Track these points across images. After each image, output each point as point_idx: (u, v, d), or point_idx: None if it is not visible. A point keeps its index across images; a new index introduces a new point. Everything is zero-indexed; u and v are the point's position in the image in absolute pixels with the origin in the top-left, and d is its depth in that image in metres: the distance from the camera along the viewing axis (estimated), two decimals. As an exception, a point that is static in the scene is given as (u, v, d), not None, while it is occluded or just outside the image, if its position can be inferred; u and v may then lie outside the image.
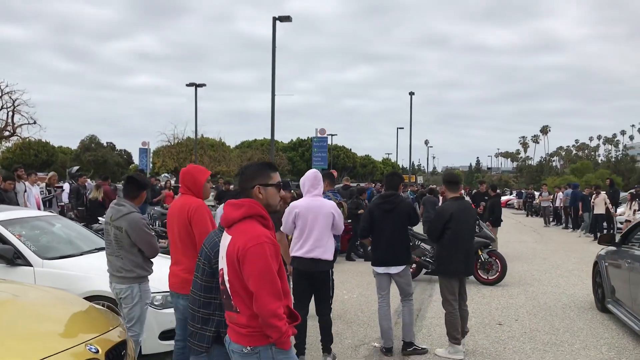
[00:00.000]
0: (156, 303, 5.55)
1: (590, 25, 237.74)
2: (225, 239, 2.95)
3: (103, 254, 6.46)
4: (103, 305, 5.16)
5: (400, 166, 77.39)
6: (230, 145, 69.00)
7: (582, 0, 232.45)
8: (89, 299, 5.15)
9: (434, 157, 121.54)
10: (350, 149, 73.40)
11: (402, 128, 60.57)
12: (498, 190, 14.55)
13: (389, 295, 6.14)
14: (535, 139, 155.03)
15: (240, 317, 2.87)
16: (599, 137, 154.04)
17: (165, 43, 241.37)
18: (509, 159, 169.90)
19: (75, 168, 15.47)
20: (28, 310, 3.96)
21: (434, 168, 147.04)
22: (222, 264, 2.96)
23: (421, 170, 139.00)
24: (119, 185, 13.98)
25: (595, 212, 18.42)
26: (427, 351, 6.17)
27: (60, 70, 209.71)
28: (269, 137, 76.90)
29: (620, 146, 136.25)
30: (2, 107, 42.86)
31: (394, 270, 5.98)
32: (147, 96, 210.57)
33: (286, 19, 26.23)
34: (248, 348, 2.85)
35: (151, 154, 50.36)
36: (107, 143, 71.59)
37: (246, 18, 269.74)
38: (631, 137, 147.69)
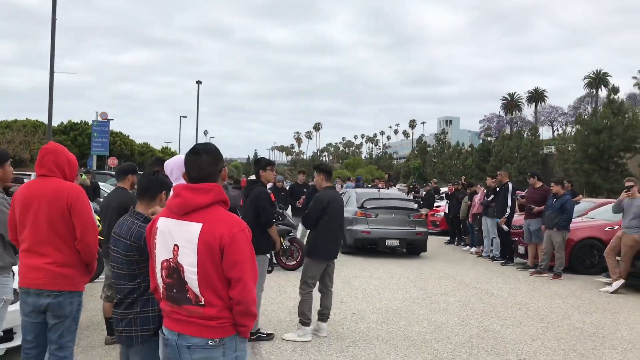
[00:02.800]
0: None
1: (358, 32, 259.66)
2: (184, 225, 2.65)
3: None
4: None
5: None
6: (-17, 124, 60.46)
7: (352, 8, 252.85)
8: None
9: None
10: (128, 136, 69.67)
11: (186, 117, 59.49)
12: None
13: None
14: (309, 135, 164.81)
15: (208, 310, 2.63)
16: (362, 136, 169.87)
17: None
18: (284, 153, 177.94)
19: None
20: None
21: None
22: (185, 254, 2.64)
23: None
24: None
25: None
26: (274, 336, 6.27)
27: None
28: (31, 117, 68.80)
29: (380, 145, 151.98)
30: None
31: None
32: None
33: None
34: (216, 340, 2.65)
35: None
36: None
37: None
38: (388, 137, 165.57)
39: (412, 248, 13.59)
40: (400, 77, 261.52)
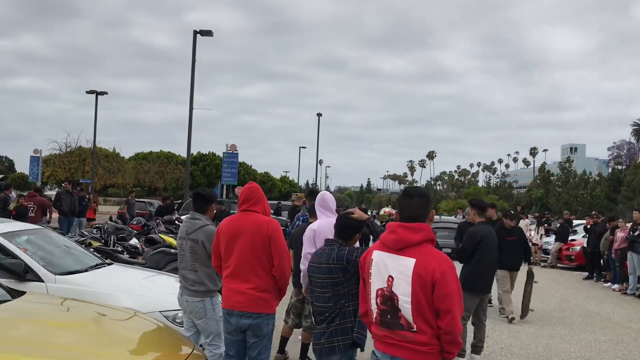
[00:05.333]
0: (178, 321, 5.42)
1: (475, 58, 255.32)
2: (399, 259, 3.06)
3: (108, 269, 6.27)
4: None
5: (298, 184, 78.15)
6: (124, 156, 66.27)
7: (470, 35, 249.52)
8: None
9: (327, 177, 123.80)
10: (251, 166, 73.13)
11: (305, 147, 61.29)
12: None
13: None
14: (422, 163, 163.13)
15: (420, 336, 3.00)
16: (478, 164, 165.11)
17: (52, 45, 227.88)
18: (396, 181, 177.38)
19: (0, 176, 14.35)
20: (123, 328, 3.82)
21: (327, 187, 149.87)
22: (400, 285, 3.03)
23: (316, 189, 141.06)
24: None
25: None
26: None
27: None
28: (163, 149, 73.89)
29: (498, 173, 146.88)
30: None
31: None
32: (29, 100, 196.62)
33: (207, 33, 26.10)
34: None
35: (41, 163, 47.04)
36: (-15, 148, 66.11)
37: (141, 25, 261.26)
38: (507, 166, 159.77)
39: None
40: (520, 103, 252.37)
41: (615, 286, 13.83)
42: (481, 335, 6.62)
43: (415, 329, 3.02)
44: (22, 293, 4.20)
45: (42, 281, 5.34)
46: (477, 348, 6.61)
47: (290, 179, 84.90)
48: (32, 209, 12.69)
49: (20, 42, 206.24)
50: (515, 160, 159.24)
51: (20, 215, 12.57)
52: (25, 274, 5.33)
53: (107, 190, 63.62)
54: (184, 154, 67.78)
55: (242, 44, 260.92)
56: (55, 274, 5.47)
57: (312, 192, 9.60)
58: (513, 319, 9.03)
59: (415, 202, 3.16)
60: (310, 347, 6.28)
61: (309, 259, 5.13)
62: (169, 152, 69.98)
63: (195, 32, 26.16)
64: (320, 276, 3.73)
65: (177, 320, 5.42)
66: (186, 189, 29.93)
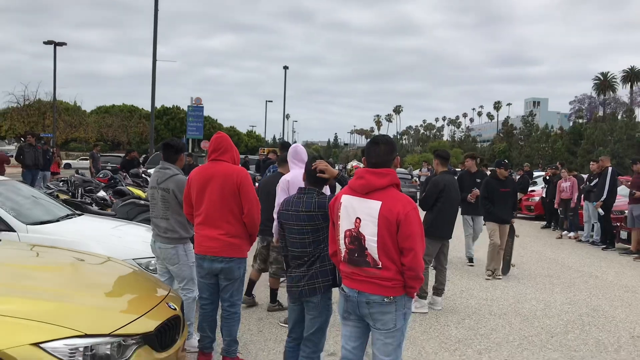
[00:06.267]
0: (151, 268, 5.56)
1: (443, 11, 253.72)
2: (366, 202, 3.23)
3: (78, 219, 6.33)
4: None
5: (265, 139, 77.82)
6: (86, 110, 64.68)
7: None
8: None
9: (294, 132, 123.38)
10: (217, 120, 72.29)
11: (272, 101, 60.94)
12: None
13: None
14: (389, 118, 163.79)
15: (385, 272, 3.22)
16: (443, 119, 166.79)
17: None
18: (363, 136, 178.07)
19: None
20: (99, 272, 3.95)
21: (294, 142, 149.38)
22: (367, 225, 3.22)
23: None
24: None
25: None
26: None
27: None
28: (127, 102, 72.19)
29: (463, 127, 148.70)
30: None
31: None
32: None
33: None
34: (390, 297, 3.24)
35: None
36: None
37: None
38: (471, 120, 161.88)
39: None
40: (485, 57, 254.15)
41: (571, 234, 14.48)
42: (442, 279, 6.96)
43: (380, 266, 3.24)
44: (-3, 240, 4.27)
45: (14, 231, 5.39)
46: (438, 291, 6.95)
47: (257, 133, 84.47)
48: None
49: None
50: (479, 114, 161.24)
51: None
52: (-5, 224, 5.36)
53: (69, 145, 62.30)
54: (147, 108, 66.09)
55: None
56: (27, 224, 5.51)
57: (284, 144, 9.73)
58: (497, 275, 8.77)
59: (381, 149, 3.34)
60: (279, 291, 6.55)
61: None
62: (132, 105, 68.64)
63: (157, -19, 25.41)
64: (299, 223, 3.85)
65: (150, 268, 5.54)
66: (151, 142, 29.59)
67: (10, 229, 5.39)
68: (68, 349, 2.92)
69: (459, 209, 8.25)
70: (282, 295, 6.51)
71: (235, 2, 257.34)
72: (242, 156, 28.10)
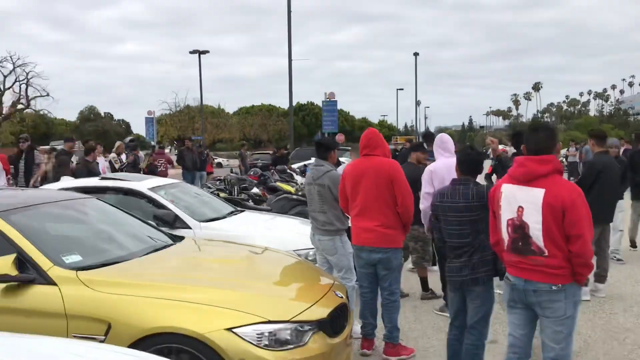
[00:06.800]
0: (310, 258, 5.90)
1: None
2: (528, 191, 3.25)
3: (242, 215, 6.88)
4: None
5: (397, 128, 77.52)
6: (229, 112, 68.80)
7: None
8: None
9: (426, 118, 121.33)
10: (349, 112, 73.33)
11: (402, 89, 60.54)
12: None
13: None
14: (527, 96, 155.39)
15: (551, 260, 3.23)
16: (589, 92, 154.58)
17: (152, 9, 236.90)
18: (500, 117, 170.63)
19: (129, 138, 15.68)
20: (276, 266, 4.37)
21: (427, 128, 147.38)
22: (530, 214, 3.23)
23: (414, 131, 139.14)
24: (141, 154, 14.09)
25: None
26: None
27: (45, 40, 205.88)
28: (265, 102, 75.52)
29: (612, 100, 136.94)
30: (15, 80, 43.09)
31: None
32: (136, 64, 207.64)
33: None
34: (559, 285, 3.24)
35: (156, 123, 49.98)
36: (104, 113, 71.07)
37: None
38: (621, 91, 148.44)
39: None
40: (633, 22, 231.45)
41: None
42: (605, 265, 6.61)
43: (546, 254, 3.22)
44: (182, 238, 4.82)
45: (190, 228, 6.00)
46: (601, 277, 6.62)
47: (389, 122, 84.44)
48: (161, 165, 13.82)
49: (123, 10, 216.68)
50: (631, 84, 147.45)
51: (150, 172, 13.63)
52: (174, 222, 6.01)
53: (215, 145, 66.82)
54: (283, 106, 68.84)
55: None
56: (200, 222, 6.12)
57: (427, 134, 9.76)
58: None
59: (540, 136, 3.33)
60: (430, 279, 6.61)
61: (427, 199, 5.39)
62: (270, 104, 71.71)
63: (287, -16, 26.35)
64: (456, 214, 3.90)
65: (309, 258, 5.90)
66: (290, 139, 30.83)
67: (187, 226, 6.01)
68: (256, 333, 3.26)
69: (630, 194, 7.73)
70: (433, 284, 6.56)
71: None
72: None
